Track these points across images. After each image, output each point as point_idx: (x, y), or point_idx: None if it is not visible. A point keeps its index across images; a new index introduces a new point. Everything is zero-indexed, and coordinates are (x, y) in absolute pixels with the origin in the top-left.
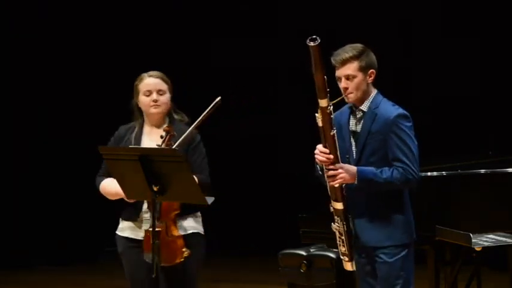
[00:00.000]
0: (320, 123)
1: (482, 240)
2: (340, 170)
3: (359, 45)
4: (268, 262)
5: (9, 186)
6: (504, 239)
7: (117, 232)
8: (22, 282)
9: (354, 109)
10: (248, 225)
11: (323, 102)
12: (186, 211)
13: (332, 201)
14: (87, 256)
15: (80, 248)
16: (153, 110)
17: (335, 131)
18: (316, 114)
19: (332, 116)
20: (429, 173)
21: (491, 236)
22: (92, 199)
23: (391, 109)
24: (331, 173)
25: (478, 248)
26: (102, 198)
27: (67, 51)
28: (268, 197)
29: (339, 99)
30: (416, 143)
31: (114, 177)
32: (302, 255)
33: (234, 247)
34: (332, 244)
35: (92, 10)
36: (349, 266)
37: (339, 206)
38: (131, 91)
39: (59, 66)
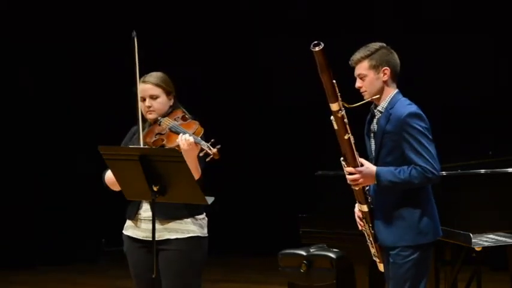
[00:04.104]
0: (335, 126)
1: (482, 240)
2: (357, 176)
3: (375, 44)
4: (268, 262)
5: (9, 186)
6: (504, 239)
7: (123, 231)
8: (22, 282)
9: (373, 109)
10: (248, 225)
11: (334, 106)
12: (185, 214)
13: (358, 203)
14: (87, 256)
15: (80, 248)
16: (148, 116)
17: (350, 134)
18: (332, 117)
19: (345, 120)
20: None
21: (491, 236)
22: (92, 199)
23: (403, 108)
24: (350, 177)
25: (478, 248)
26: (102, 198)
27: (69, 50)
28: (268, 197)
29: (357, 104)
30: (431, 140)
31: (114, 177)
32: (302, 255)
33: (234, 247)
34: (332, 244)
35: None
36: (380, 267)
37: (364, 208)
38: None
39: (59, 65)
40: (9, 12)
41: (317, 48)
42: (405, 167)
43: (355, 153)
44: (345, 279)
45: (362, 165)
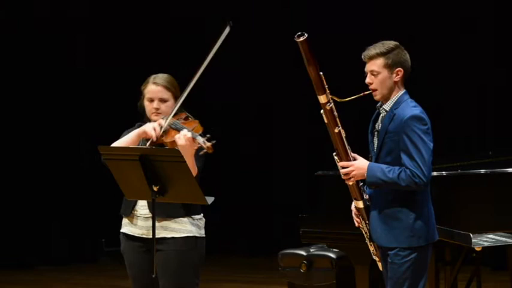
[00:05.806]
0: (325, 120)
1: (482, 240)
2: (351, 168)
3: (391, 43)
4: (268, 262)
5: (9, 186)
6: (504, 239)
7: (120, 230)
8: (22, 282)
9: (379, 108)
10: (248, 225)
11: (322, 99)
12: (182, 213)
13: (354, 200)
14: (87, 256)
15: (80, 248)
16: (154, 118)
17: (340, 127)
18: (322, 111)
19: (335, 113)
20: None
21: (491, 236)
22: (92, 199)
23: (407, 110)
24: (343, 171)
25: (478, 248)
26: (102, 198)
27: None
28: (268, 197)
29: (349, 98)
30: (429, 145)
31: (114, 177)
32: (302, 255)
33: (234, 247)
34: (332, 244)
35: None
36: (379, 266)
37: (360, 204)
38: (131, 91)
39: (59, 65)
40: (8, 15)
41: (301, 39)
42: (396, 168)
43: (347, 147)
44: (345, 279)
45: (355, 159)
